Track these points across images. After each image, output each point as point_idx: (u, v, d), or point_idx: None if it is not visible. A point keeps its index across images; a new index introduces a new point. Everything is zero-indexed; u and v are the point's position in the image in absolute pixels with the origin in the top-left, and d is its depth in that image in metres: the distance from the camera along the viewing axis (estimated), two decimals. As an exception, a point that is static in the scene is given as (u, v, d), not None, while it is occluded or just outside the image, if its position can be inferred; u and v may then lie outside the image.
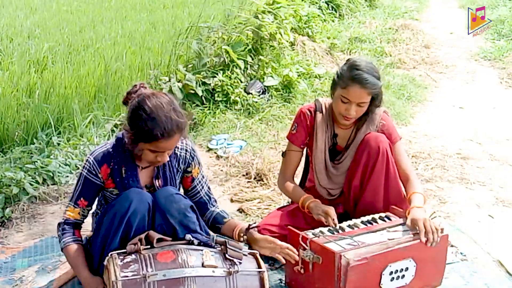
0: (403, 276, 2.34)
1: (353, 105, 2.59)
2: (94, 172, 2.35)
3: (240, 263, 2.19)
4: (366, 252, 2.25)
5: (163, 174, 2.43)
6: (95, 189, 2.39)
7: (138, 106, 2.21)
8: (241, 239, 2.38)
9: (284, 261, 2.32)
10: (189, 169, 2.50)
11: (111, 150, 2.36)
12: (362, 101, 2.59)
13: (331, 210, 2.54)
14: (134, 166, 2.37)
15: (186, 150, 2.47)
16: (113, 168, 2.35)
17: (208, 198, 2.56)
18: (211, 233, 2.46)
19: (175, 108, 2.24)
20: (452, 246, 2.83)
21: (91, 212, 2.51)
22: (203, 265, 2.13)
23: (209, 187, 2.59)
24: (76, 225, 2.42)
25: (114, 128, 4.30)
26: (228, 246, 2.23)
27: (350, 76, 2.57)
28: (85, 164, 2.37)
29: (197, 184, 2.53)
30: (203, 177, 2.55)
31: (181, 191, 2.52)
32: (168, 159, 2.34)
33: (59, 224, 2.42)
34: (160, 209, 2.28)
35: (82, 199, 2.38)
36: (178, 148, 2.45)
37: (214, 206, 2.57)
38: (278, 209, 2.93)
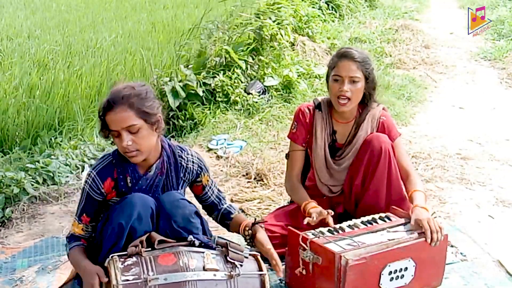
0: (403, 276, 2.33)
1: (346, 81, 2.62)
2: (96, 188, 2.30)
3: (241, 265, 2.19)
4: (365, 252, 2.25)
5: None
6: (98, 205, 2.35)
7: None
8: (246, 233, 2.43)
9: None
10: (199, 179, 2.51)
11: (113, 160, 2.33)
12: (353, 75, 2.62)
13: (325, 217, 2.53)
14: (137, 173, 2.33)
15: (193, 162, 2.46)
16: (118, 179, 2.32)
17: (219, 200, 2.59)
18: (213, 234, 2.46)
19: (130, 85, 2.24)
20: (452, 246, 2.83)
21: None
22: (204, 269, 2.12)
23: (218, 190, 2.60)
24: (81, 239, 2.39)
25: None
26: (229, 248, 2.22)
27: (338, 54, 2.70)
28: (87, 178, 2.32)
29: (208, 190, 2.55)
30: (212, 182, 2.57)
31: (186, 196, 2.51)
32: (136, 152, 2.22)
33: (67, 237, 2.39)
34: (164, 214, 2.26)
35: (84, 215, 2.34)
36: (183, 159, 2.43)
37: (224, 204, 2.60)
38: (278, 209, 2.94)
